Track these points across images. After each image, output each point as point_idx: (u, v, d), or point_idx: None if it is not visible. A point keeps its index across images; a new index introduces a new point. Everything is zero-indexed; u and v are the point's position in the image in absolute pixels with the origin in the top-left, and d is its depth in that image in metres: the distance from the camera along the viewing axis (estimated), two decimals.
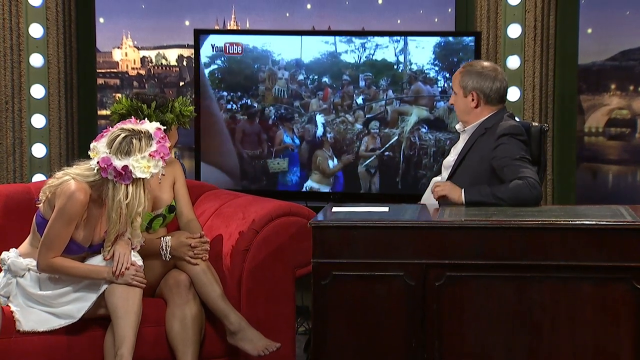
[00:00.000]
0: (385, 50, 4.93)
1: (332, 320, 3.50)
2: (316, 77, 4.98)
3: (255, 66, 5.01)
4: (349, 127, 4.98)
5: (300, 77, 4.98)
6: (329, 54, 4.98)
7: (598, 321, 3.43)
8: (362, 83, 4.96)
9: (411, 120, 4.94)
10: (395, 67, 4.93)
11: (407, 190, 4.93)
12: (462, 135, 4.07)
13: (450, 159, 4.07)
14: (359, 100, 4.97)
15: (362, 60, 4.95)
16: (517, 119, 4.17)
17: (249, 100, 5.02)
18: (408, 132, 4.95)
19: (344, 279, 3.48)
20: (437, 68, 4.90)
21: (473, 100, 3.98)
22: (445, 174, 4.05)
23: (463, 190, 3.78)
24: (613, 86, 5.42)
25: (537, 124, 4.11)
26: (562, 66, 5.17)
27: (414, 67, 4.91)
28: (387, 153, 4.96)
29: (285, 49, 4.99)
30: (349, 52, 4.96)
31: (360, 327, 3.49)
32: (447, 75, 4.89)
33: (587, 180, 5.46)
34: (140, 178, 3.62)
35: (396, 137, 4.94)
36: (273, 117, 5.02)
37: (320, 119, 4.97)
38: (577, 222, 3.46)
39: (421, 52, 4.92)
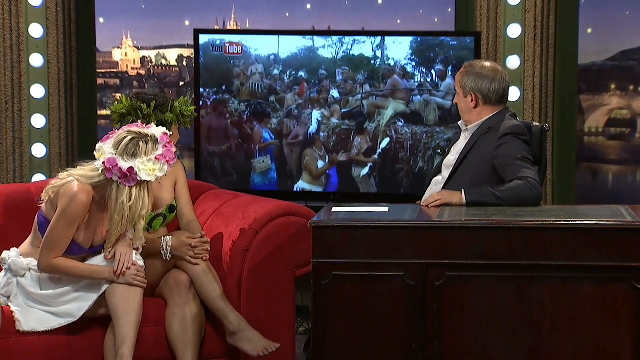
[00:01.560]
0: (363, 45, 4.92)
1: (332, 320, 3.50)
2: (293, 72, 4.98)
3: (232, 62, 5.01)
4: (324, 121, 4.97)
5: (276, 71, 4.98)
6: (306, 49, 4.97)
7: (598, 321, 3.42)
8: (339, 77, 4.95)
9: (387, 113, 4.94)
10: (372, 62, 4.93)
11: (384, 184, 4.95)
12: (463, 134, 4.08)
13: (451, 158, 4.07)
14: (335, 94, 4.96)
15: (339, 56, 4.95)
16: (518, 119, 4.17)
17: (223, 95, 5.02)
18: (384, 125, 4.95)
19: (344, 279, 3.48)
20: (414, 63, 4.90)
21: (472, 100, 3.99)
22: (446, 173, 4.05)
23: (463, 191, 3.77)
24: (613, 86, 5.42)
25: (538, 124, 4.11)
26: (562, 66, 5.17)
27: (391, 63, 4.92)
28: (377, 152, 4.97)
29: (262, 44, 4.98)
30: (327, 47, 4.95)
31: (360, 327, 3.49)
32: (424, 70, 4.89)
33: (587, 180, 5.46)
34: (144, 181, 3.62)
35: (373, 131, 4.95)
36: (247, 112, 5.01)
37: (316, 115, 4.97)
38: (577, 222, 3.46)
39: (398, 47, 4.91)
